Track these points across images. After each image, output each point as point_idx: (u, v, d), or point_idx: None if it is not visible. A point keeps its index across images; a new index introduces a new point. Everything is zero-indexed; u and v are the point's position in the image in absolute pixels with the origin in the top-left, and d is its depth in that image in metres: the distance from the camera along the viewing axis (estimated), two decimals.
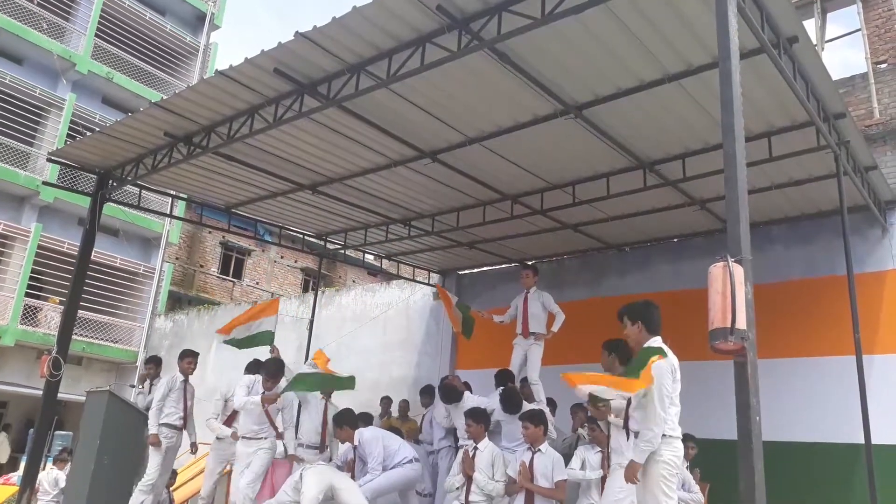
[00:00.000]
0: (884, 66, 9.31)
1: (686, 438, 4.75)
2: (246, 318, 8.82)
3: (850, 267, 6.40)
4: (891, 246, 8.00)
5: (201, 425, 7.91)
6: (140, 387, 9.13)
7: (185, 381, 7.80)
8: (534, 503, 5.58)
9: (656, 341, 4.40)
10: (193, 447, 7.90)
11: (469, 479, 5.73)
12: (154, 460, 7.38)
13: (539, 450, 5.71)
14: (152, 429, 7.43)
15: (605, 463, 5.87)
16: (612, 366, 5.34)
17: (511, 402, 6.76)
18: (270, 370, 6.92)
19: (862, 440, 6.12)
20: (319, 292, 13.87)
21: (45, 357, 7.59)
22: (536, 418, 5.83)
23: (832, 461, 7.60)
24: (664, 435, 4.15)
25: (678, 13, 4.87)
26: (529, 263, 8.43)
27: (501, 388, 7.22)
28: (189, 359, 7.92)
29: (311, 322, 11.58)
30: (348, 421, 6.71)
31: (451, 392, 7.26)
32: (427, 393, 9.08)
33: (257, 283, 23.89)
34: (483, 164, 7.61)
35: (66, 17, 18.31)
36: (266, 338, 8.61)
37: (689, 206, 8.34)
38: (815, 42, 7.93)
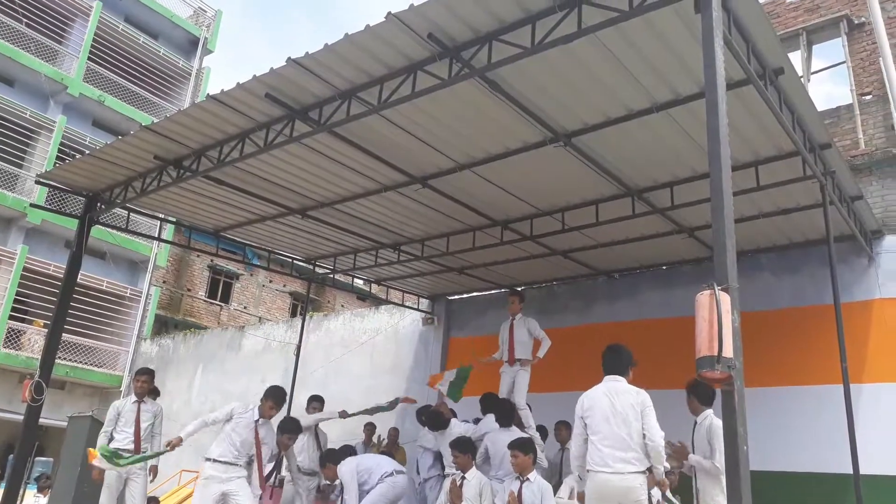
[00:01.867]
0: (868, 97, 9.46)
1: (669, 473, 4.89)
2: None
3: (836, 296, 6.43)
4: (877, 275, 8.06)
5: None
6: None
7: (139, 401, 7.33)
8: None
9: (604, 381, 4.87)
10: (153, 471, 7.37)
11: None
12: (102, 493, 6.92)
13: (528, 479, 5.65)
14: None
15: None
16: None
17: (503, 411, 6.75)
18: (276, 395, 6.60)
19: (850, 470, 6.09)
20: (307, 317, 13.79)
21: (28, 381, 7.46)
22: (526, 446, 5.77)
23: (821, 492, 7.56)
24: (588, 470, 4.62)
25: (666, 44, 4.95)
26: (517, 290, 8.41)
27: (490, 406, 7.22)
28: (143, 377, 7.45)
29: (299, 347, 11.50)
30: (332, 458, 6.65)
31: (438, 419, 7.20)
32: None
33: (245, 308, 23.73)
34: (473, 190, 7.64)
35: (59, 40, 18.38)
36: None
37: (677, 234, 8.39)
38: (800, 74, 8.06)
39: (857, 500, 5.96)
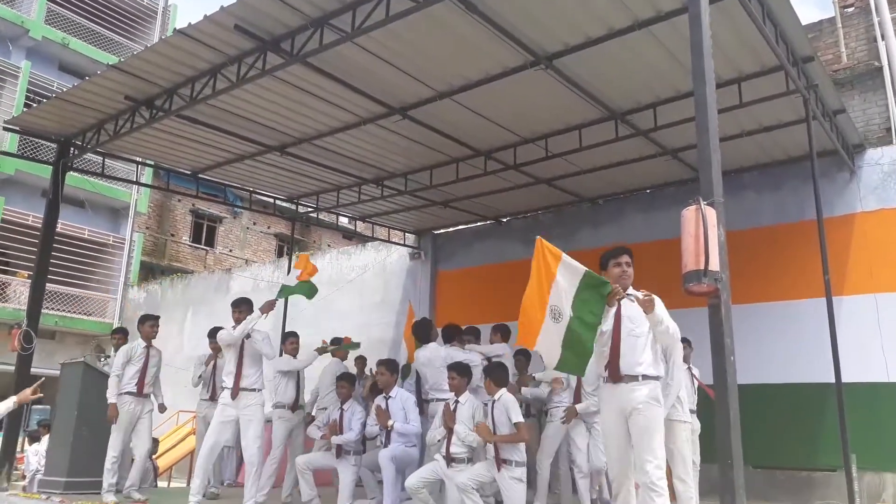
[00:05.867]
0: (850, 9, 9.31)
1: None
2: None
3: (819, 211, 6.48)
4: (858, 189, 8.11)
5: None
6: (103, 358, 8.95)
7: (148, 346, 7.26)
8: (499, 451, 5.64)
9: None
10: (161, 408, 7.50)
11: (450, 432, 5.78)
12: (112, 434, 6.94)
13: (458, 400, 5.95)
14: (110, 398, 6.92)
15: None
16: None
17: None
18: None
19: (833, 379, 6.28)
20: (294, 257, 13.75)
21: (16, 331, 7.45)
22: (462, 369, 6.05)
23: (805, 400, 7.83)
24: None
25: None
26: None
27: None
28: (150, 322, 7.38)
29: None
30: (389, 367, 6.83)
31: (428, 330, 7.31)
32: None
33: (231, 251, 23.63)
34: (454, 120, 7.52)
35: None
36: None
37: (660, 157, 8.35)
38: None
39: (838, 407, 6.18)
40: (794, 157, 8.39)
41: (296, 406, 7.59)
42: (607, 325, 4.05)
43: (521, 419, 5.58)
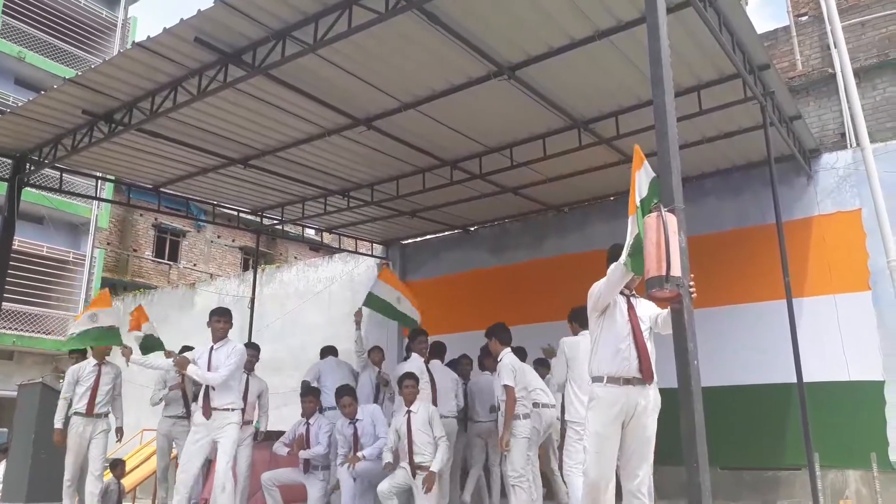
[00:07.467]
0: (805, 18, 9.57)
1: None
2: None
3: (778, 215, 6.61)
4: (815, 193, 8.30)
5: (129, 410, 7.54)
6: (63, 379, 8.76)
7: (99, 364, 7.15)
8: None
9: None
10: (119, 433, 7.23)
11: (409, 442, 5.76)
12: (67, 455, 6.79)
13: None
14: (56, 423, 6.79)
15: None
16: (575, 333, 5.84)
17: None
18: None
19: (794, 379, 6.39)
20: (260, 270, 13.60)
21: None
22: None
23: (768, 400, 7.95)
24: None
25: None
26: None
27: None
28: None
29: (252, 300, 11.36)
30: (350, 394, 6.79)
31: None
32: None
33: (195, 265, 23.27)
34: (420, 130, 7.52)
35: None
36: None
37: (623, 164, 8.45)
38: None
39: (800, 405, 6.28)
40: (753, 162, 8.57)
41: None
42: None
43: (509, 383, 5.78)
